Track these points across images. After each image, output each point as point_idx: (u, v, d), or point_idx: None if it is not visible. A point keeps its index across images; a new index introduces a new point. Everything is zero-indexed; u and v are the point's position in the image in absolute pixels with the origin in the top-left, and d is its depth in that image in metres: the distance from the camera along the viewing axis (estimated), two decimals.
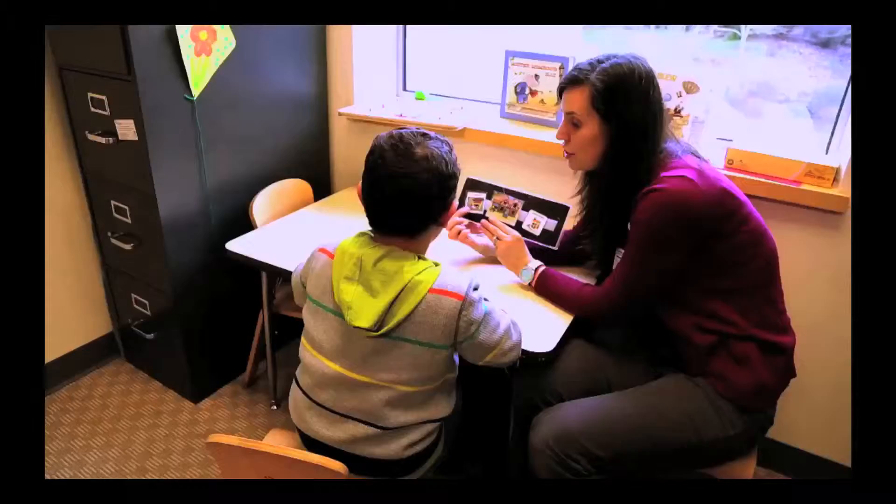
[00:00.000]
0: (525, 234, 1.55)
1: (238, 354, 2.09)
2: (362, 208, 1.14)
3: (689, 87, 1.68)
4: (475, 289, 1.10)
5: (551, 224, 1.54)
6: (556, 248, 1.53)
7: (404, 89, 2.29)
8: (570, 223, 1.55)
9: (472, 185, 1.62)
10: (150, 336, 1.96)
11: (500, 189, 1.59)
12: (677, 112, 1.71)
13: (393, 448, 1.13)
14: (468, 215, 1.59)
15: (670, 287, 1.25)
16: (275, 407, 2.00)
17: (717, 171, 1.23)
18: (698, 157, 1.27)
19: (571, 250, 1.52)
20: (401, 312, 1.05)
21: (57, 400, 2.01)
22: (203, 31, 1.62)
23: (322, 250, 1.16)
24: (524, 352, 1.24)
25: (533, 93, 1.92)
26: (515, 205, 1.58)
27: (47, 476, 1.73)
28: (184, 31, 1.56)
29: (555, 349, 1.28)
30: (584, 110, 1.23)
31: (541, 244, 1.54)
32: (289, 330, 2.28)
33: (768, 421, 1.29)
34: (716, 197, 1.17)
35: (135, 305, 1.99)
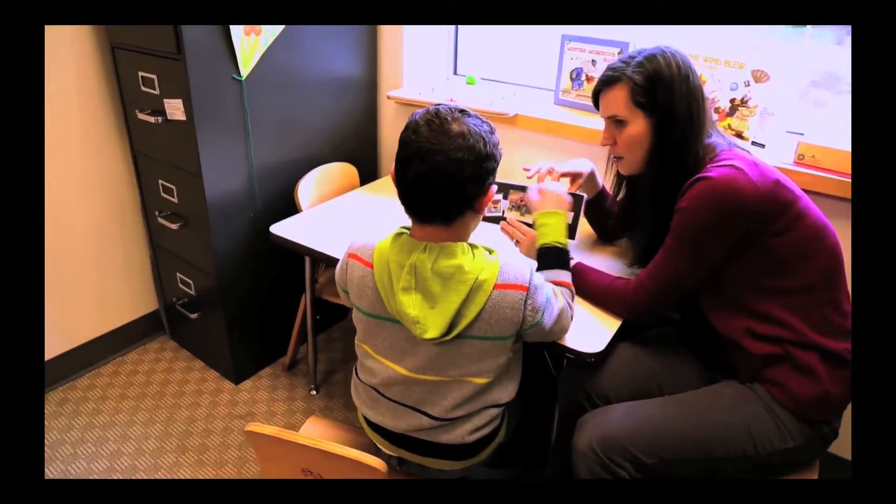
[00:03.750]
0: None
1: (280, 337, 2.09)
2: None
3: (759, 76, 1.57)
4: (534, 272, 1.05)
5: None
6: (573, 239, 1.46)
7: (455, 73, 2.23)
8: None
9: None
10: (193, 316, 1.97)
11: (514, 187, 1.52)
12: (744, 102, 1.60)
13: (457, 433, 1.11)
14: (490, 219, 1.53)
15: (720, 286, 1.18)
16: (314, 392, 2.00)
17: (770, 165, 1.16)
18: (747, 150, 1.21)
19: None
20: (469, 314, 1.01)
21: (103, 374, 2.05)
22: None
23: (354, 256, 1.10)
24: (573, 351, 1.20)
25: (589, 79, 1.84)
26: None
27: (93, 450, 1.76)
28: None
29: (604, 350, 1.22)
30: (625, 108, 1.19)
31: None
32: (330, 314, 2.28)
33: (833, 433, 1.20)
34: (768, 189, 1.10)
35: (180, 285, 2.01)
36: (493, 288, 1.01)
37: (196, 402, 1.95)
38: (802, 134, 1.60)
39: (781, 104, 1.55)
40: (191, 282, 1.95)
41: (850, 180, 1.41)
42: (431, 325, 1.01)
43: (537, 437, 1.49)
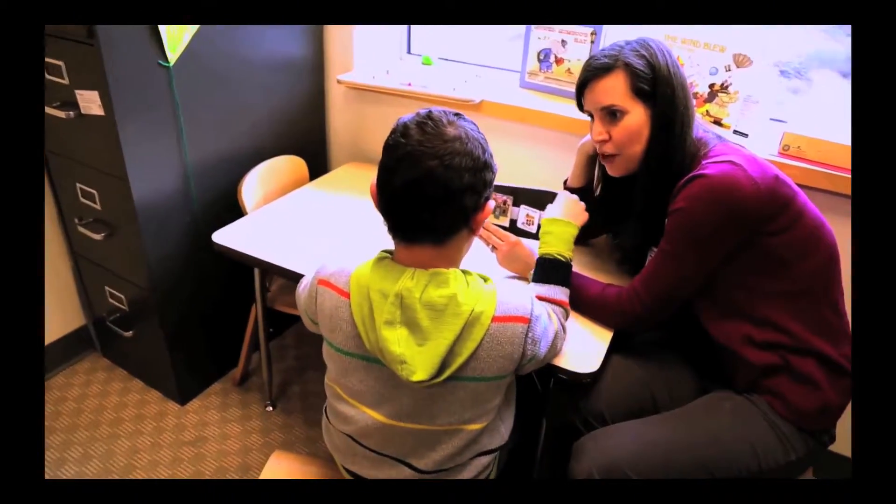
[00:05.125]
0: (521, 233, 1.39)
1: (229, 349, 1.90)
2: (365, 187, 0.94)
3: (741, 61, 1.48)
4: (534, 300, 0.94)
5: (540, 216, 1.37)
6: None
7: (409, 52, 2.05)
8: None
9: None
10: (127, 333, 1.75)
11: (495, 188, 1.39)
12: (724, 88, 1.52)
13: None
14: None
15: (714, 288, 1.11)
16: (270, 408, 1.83)
17: (764, 160, 1.09)
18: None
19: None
20: (464, 352, 0.87)
21: None
22: None
23: (325, 283, 0.94)
24: (567, 372, 1.10)
25: (559, 61, 1.70)
26: (505, 202, 1.40)
27: None
28: None
29: (599, 368, 1.13)
30: (624, 97, 1.10)
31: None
32: (281, 322, 2.09)
33: (831, 438, 1.17)
34: (769, 185, 1.03)
35: (110, 299, 1.78)
36: (492, 321, 0.88)
37: (137, 429, 1.74)
38: (786, 122, 1.53)
39: (765, 90, 1.47)
40: (122, 296, 1.73)
41: (839, 173, 1.35)
42: (420, 365, 0.86)
43: (522, 465, 1.38)
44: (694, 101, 1.15)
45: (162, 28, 1.36)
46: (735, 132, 1.50)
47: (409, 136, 0.85)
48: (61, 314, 1.90)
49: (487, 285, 0.91)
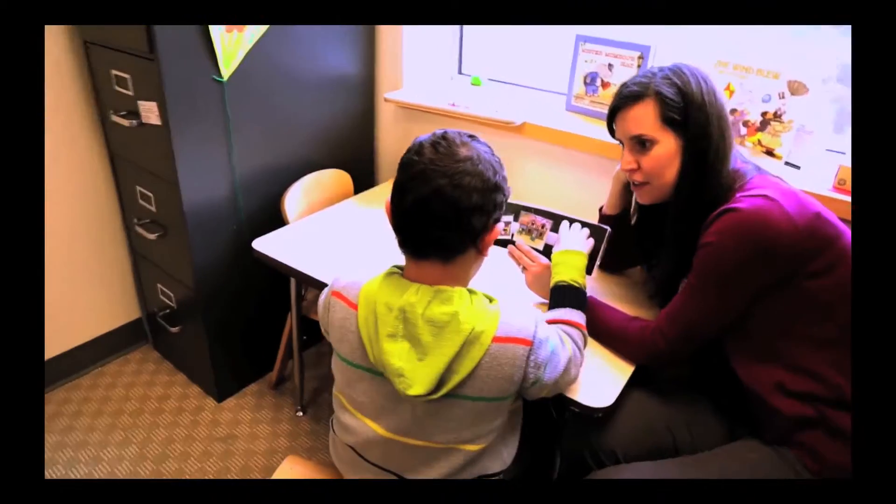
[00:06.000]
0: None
1: (266, 353, 1.97)
2: None
3: (795, 88, 1.40)
4: (539, 324, 0.92)
5: None
6: (591, 275, 1.31)
7: (460, 73, 2.07)
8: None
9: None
10: (174, 329, 1.85)
11: (527, 209, 1.37)
12: (777, 116, 1.44)
13: None
14: (498, 242, 1.39)
15: (747, 329, 1.04)
16: (300, 413, 1.87)
17: (806, 195, 1.03)
18: (779, 177, 1.09)
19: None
20: (463, 370, 0.87)
21: (81, 387, 1.95)
22: None
23: (337, 295, 0.97)
24: (578, 405, 1.06)
25: (605, 84, 1.67)
26: (543, 226, 1.37)
27: (63, 472, 1.66)
28: None
29: (614, 403, 1.08)
30: (654, 126, 1.06)
31: None
32: (319, 332, 2.15)
33: None
34: (807, 223, 0.96)
35: (161, 296, 1.89)
36: (492, 341, 0.87)
37: (175, 420, 1.83)
38: (844, 153, 1.44)
39: (821, 120, 1.38)
40: (171, 294, 1.83)
41: None
42: (418, 379, 0.87)
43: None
44: (732, 131, 1.09)
45: (217, 45, 1.45)
46: (787, 164, 1.41)
47: (422, 154, 0.87)
48: (120, 306, 2.03)
49: (492, 305, 0.91)
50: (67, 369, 1.96)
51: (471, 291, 0.91)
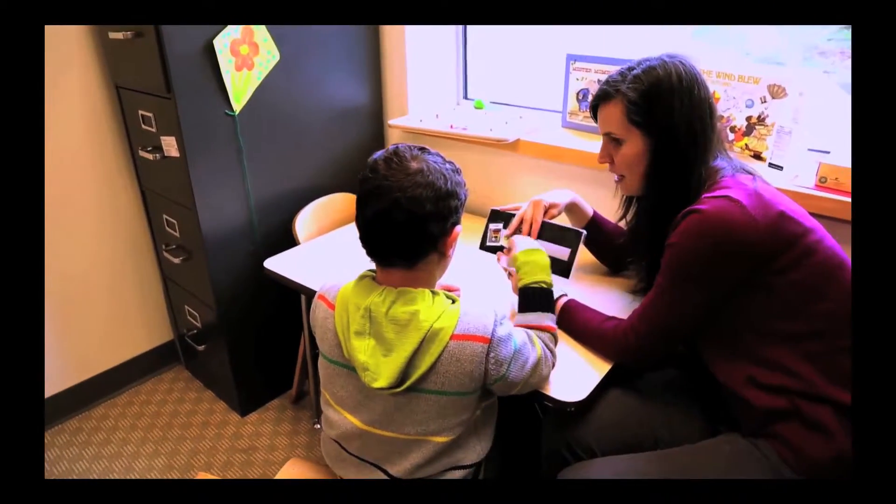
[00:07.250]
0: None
1: (286, 369, 2.07)
2: None
3: (775, 91, 1.43)
4: (501, 323, 0.97)
5: (563, 253, 1.37)
6: (567, 278, 1.36)
7: (465, 98, 2.18)
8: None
9: (494, 216, 1.48)
10: (200, 348, 1.98)
11: (513, 216, 1.43)
12: (761, 120, 1.46)
13: None
14: (490, 248, 1.45)
15: (719, 327, 1.06)
16: (318, 426, 1.96)
17: (777, 194, 1.04)
18: (754, 176, 1.09)
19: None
20: (423, 365, 0.94)
21: (118, 404, 2.09)
22: (244, 46, 1.60)
23: (321, 297, 1.06)
24: (551, 399, 1.10)
25: None
26: (528, 235, 1.42)
27: (97, 478, 1.79)
28: (222, 46, 1.55)
29: (587, 398, 1.11)
30: (621, 126, 1.10)
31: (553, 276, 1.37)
32: None
33: None
34: (769, 223, 0.98)
35: (188, 317, 2.03)
36: (451, 338, 0.93)
37: (201, 434, 1.95)
38: (829, 152, 1.44)
39: (801, 120, 1.40)
40: (197, 314, 1.97)
41: None
42: (382, 373, 0.94)
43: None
44: (716, 126, 1.10)
45: (227, 83, 1.60)
46: (770, 165, 1.43)
47: (377, 171, 0.96)
48: (155, 328, 2.19)
49: (452, 305, 0.97)
50: (106, 388, 2.11)
51: (433, 293, 0.98)
